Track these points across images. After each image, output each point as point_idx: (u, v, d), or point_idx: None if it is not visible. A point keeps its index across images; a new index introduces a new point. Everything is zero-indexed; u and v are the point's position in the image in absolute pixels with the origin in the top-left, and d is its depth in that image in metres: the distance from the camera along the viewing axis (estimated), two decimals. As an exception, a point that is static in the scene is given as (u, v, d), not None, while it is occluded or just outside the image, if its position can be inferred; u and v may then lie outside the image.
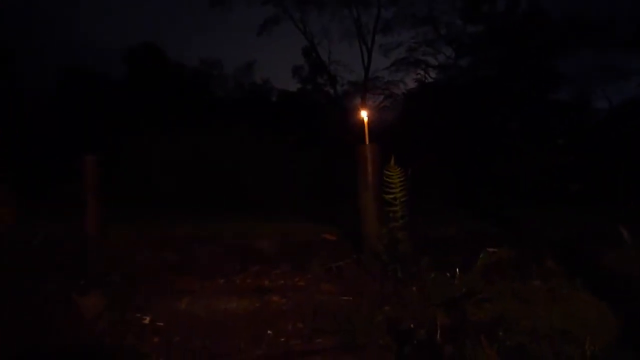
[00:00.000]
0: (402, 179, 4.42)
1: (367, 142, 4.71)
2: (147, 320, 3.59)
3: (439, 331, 3.24)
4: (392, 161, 4.44)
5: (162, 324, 3.57)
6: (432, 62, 27.98)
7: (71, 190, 5.60)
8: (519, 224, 6.82)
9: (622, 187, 11.36)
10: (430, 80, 27.28)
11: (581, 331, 3.04)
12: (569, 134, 18.15)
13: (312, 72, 28.86)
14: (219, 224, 6.67)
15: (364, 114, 4.87)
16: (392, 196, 4.43)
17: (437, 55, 28.04)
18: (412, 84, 27.60)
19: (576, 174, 13.53)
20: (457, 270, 4.04)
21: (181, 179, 12.20)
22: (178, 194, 10.80)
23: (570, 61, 27.37)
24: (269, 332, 3.56)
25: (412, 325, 3.47)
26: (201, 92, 24.67)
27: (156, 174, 12.19)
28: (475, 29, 26.82)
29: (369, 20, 28.42)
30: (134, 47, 24.66)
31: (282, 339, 3.47)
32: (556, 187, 12.75)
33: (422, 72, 27.64)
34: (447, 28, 27.68)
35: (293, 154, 14.61)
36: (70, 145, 14.00)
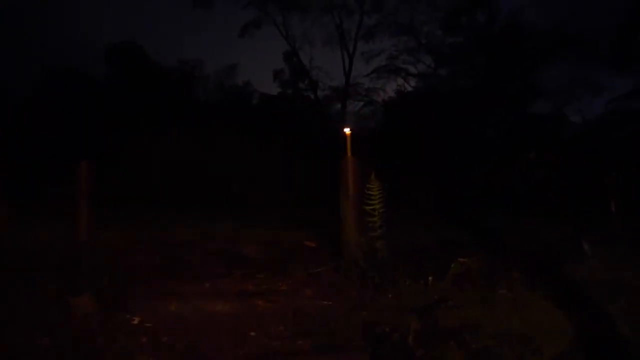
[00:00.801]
0: (381, 191, 4.68)
1: (349, 155, 4.95)
2: (136, 320, 3.77)
3: (411, 335, 3.49)
4: (373, 175, 4.70)
5: (150, 324, 3.75)
6: (412, 71, 28.38)
7: (59, 192, 5.72)
8: (491, 235, 7.14)
9: (593, 200, 11.81)
10: (410, 88, 27.71)
11: (539, 336, 3.33)
12: (544, 146, 18.70)
13: (293, 76, 28.95)
14: (204, 227, 6.82)
15: (347, 130, 5.12)
16: (371, 207, 4.69)
17: (417, 64, 28.44)
18: (392, 92, 27.99)
19: (550, 186, 14.00)
20: (430, 278, 4.32)
21: (163, 180, 12.26)
22: (160, 195, 10.87)
23: (547, 74, 28.09)
24: (252, 333, 3.77)
25: (387, 329, 3.72)
26: (182, 93, 24.62)
27: (138, 175, 12.22)
28: (455, 39, 27.36)
29: (351, 26, 28.67)
30: (115, 46, 24.48)
31: (265, 340, 3.68)
32: (530, 199, 13.18)
33: (402, 81, 28.05)
34: (427, 38, 28.12)
35: (275, 158, 14.77)
36: (53, 146, 13.95)
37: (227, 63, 28.95)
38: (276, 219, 8.04)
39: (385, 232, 4.76)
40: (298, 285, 4.53)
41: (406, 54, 28.34)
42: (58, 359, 3.17)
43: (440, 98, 23.93)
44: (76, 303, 3.76)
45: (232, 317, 3.97)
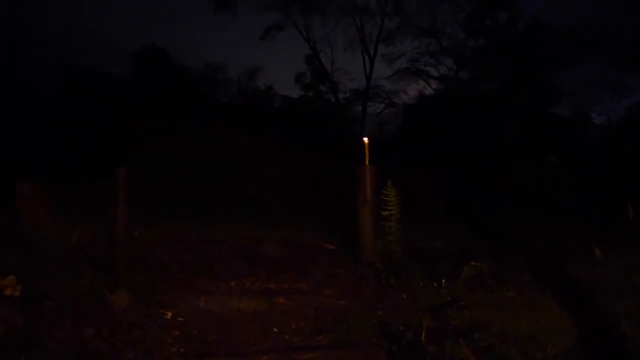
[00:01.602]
0: (397, 197, 4.93)
1: (367, 163, 5.21)
2: (169, 315, 4.09)
3: (423, 333, 3.73)
4: (390, 183, 4.95)
5: (182, 318, 4.07)
6: (434, 73, 28.42)
7: (93, 187, 6.10)
8: (507, 238, 7.29)
9: (616, 204, 11.78)
10: (431, 91, 27.75)
11: (545, 335, 3.54)
12: (567, 149, 18.57)
13: (314, 79, 29.22)
14: (226, 227, 7.13)
15: (365, 139, 5.37)
16: (388, 213, 4.94)
17: (439, 67, 28.48)
18: (413, 94, 28.03)
19: (571, 189, 13.98)
20: (444, 280, 4.55)
21: (185, 181, 12.63)
22: (182, 196, 11.25)
23: (571, 76, 27.80)
24: (274, 329, 4.05)
25: (401, 327, 3.97)
26: (205, 96, 25.10)
27: (161, 176, 12.61)
28: (477, 42, 27.30)
29: (373, 29, 28.84)
30: (140, 50, 25.16)
31: (287, 336, 3.96)
32: (550, 202, 13.20)
33: (423, 83, 28.09)
34: (449, 40, 28.12)
35: (295, 160, 15.04)
36: (79, 145, 14.48)
37: (249, 66, 29.28)
38: (296, 221, 8.32)
39: (400, 236, 5.00)
40: (318, 285, 4.80)
41: (428, 57, 28.33)
42: (100, 349, 3.50)
43: (461, 100, 23.93)
44: (114, 298, 4.09)
45: (257, 314, 4.26)
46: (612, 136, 17.85)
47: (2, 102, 15.23)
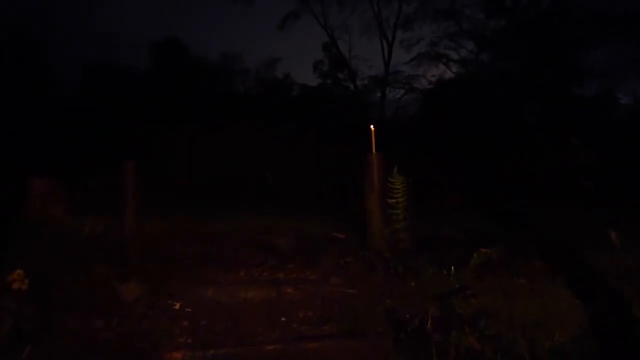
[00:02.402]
0: (404, 185, 4.89)
1: (374, 151, 5.16)
2: (177, 306, 4.14)
3: (429, 322, 3.70)
4: (395, 169, 4.90)
5: (190, 309, 4.12)
6: (454, 57, 28.01)
7: (106, 182, 6.20)
8: (521, 225, 7.18)
9: (637, 187, 11.49)
10: (451, 75, 27.35)
11: (553, 323, 3.48)
12: (590, 130, 18.12)
13: (332, 67, 29.10)
14: (240, 218, 7.19)
15: (372, 126, 5.32)
16: (394, 200, 4.90)
17: (459, 50, 28.05)
18: (433, 78, 27.65)
19: (591, 171, 13.66)
20: (452, 267, 4.50)
21: (204, 172, 12.74)
22: (200, 187, 11.35)
23: (595, 55, 27.05)
24: (283, 319, 4.08)
25: (408, 316, 3.95)
26: (223, 87, 25.23)
27: (176, 167, 12.74)
28: (498, 23, 26.74)
29: (390, 14, 28.53)
30: (158, 42, 25.37)
31: (295, 325, 3.98)
32: (570, 186, 12.93)
33: (443, 67, 27.68)
34: (469, 22, 27.63)
35: (312, 150, 15.03)
36: (98, 138, 14.72)
37: (266, 55, 29.31)
38: (309, 210, 8.32)
39: (409, 224, 4.96)
40: (326, 274, 4.80)
41: (447, 40, 27.95)
42: (110, 339, 3.58)
43: (481, 83, 23.54)
44: (124, 288, 4.16)
45: (264, 304, 4.28)
46: (637, 116, 17.34)
47: (19, 98, 15.57)
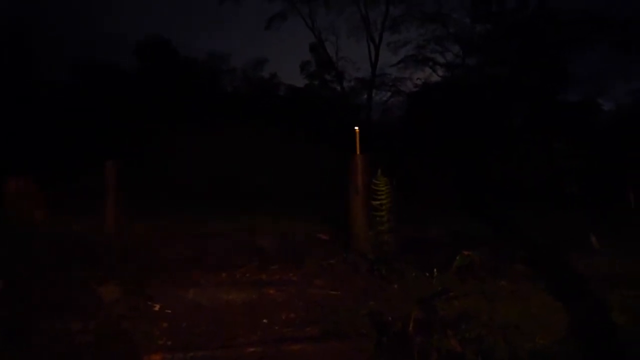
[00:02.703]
0: (388, 187, 4.88)
1: (359, 152, 5.15)
2: (157, 307, 4.08)
3: (411, 324, 3.69)
4: (379, 172, 4.89)
5: (170, 311, 4.06)
6: (440, 60, 28.17)
7: (90, 183, 6.11)
8: (504, 227, 7.23)
9: (618, 190, 11.62)
10: (437, 78, 27.49)
11: (534, 326, 3.49)
12: (573, 135, 18.34)
13: (319, 68, 29.14)
14: (224, 219, 7.15)
15: (356, 128, 5.31)
16: (378, 202, 4.89)
17: (445, 53, 28.21)
18: (419, 82, 27.78)
19: (575, 176, 13.82)
20: (435, 270, 4.50)
21: (188, 172, 12.66)
22: (186, 188, 11.27)
23: (580, 61, 27.42)
24: (264, 320, 4.03)
25: (390, 318, 3.94)
26: (210, 86, 25.08)
27: (164, 167, 12.64)
28: (484, 27, 26.96)
29: (377, 16, 28.62)
30: (145, 41, 25.14)
31: (277, 327, 3.94)
32: (554, 189, 13.07)
33: (429, 70, 27.82)
34: (455, 26, 27.81)
35: (298, 151, 15.02)
36: (84, 137, 14.54)
37: (253, 56, 29.31)
38: (294, 211, 8.30)
39: (393, 226, 4.95)
40: (309, 276, 4.77)
41: (434, 43, 28.09)
42: (88, 341, 3.51)
43: (468, 87, 23.71)
44: (103, 290, 4.10)
45: (246, 305, 4.25)
46: (619, 122, 17.62)
47: (6, 98, 15.31)
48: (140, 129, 14.39)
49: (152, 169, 11.62)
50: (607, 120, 20.45)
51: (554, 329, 3.49)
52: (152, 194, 8.09)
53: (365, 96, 28.76)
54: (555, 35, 23.52)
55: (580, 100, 22.81)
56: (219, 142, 14.26)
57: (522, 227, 7.15)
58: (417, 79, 28.08)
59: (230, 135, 14.78)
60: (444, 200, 10.66)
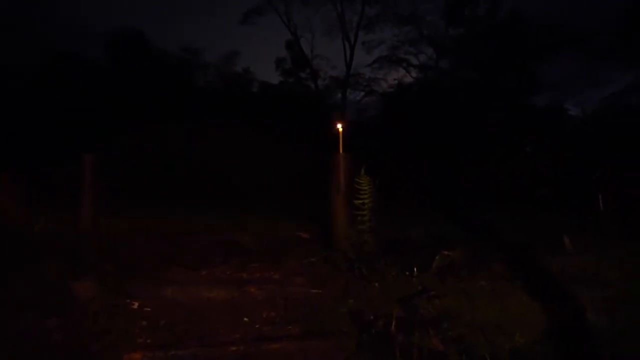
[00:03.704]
0: (370, 186, 4.90)
1: (341, 151, 5.16)
2: (135, 305, 4.00)
3: (393, 323, 3.72)
4: (363, 170, 4.91)
5: (149, 309, 3.98)
6: (414, 62, 28.54)
7: (62, 177, 5.93)
8: (481, 229, 7.36)
9: (588, 194, 11.97)
10: (410, 79, 27.82)
11: (513, 325, 3.56)
12: (543, 140, 18.83)
13: (294, 65, 29.15)
14: (202, 217, 7.05)
15: (339, 125, 5.32)
16: (361, 201, 4.91)
17: (419, 55, 28.60)
18: (393, 82, 28.08)
19: (545, 179, 14.18)
20: (415, 269, 4.55)
21: (161, 168, 12.43)
22: (159, 183, 11.07)
23: (549, 67, 28.18)
24: (245, 319, 4.00)
25: (371, 317, 3.96)
26: (183, 80, 24.72)
27: (137, 162, 12.38)
28: (457, 31, 27.43)
29: (353, 16, 28.79)
30: (117, 32, 24.59)
31: (257, 326, 3.91)
32: (526, 193, 13.38)
33: (403, 71, 28.14)
34: (429, 28, 28.22)
35: (274, 148, 14.96)
36: (53, 130, 14.11)
37: (228, 50, 28.98)
38: (273, 210, 8.26)
39: (374, 226, 4.98)
40: (290, 274, 4.76)
41: (408, 45, 28.50)
42: (63, 339, 3.40)
43: (440, 89, 24.04)
44: (79, 287, 3.98)
45: (227, 303, 4.20)
46: (586, 127, 18.18)
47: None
48: (111, 122, 14.06)
49: (124, 163, 11.37)
50: (575, 125, 21.07)
51: (532, 327, 3.57)
52: (125, 189, 7.91)
53: (340, 95, 28.93)
54: (525, 43, 24.09)
55: (549, 105, 23.45)
56: (193, 138, 14.07)
57: (498, 229, 7.30)
58: (394, 79, 28.37)
59: (205, 131, 14.59)
60: (420, 202, 10.80)
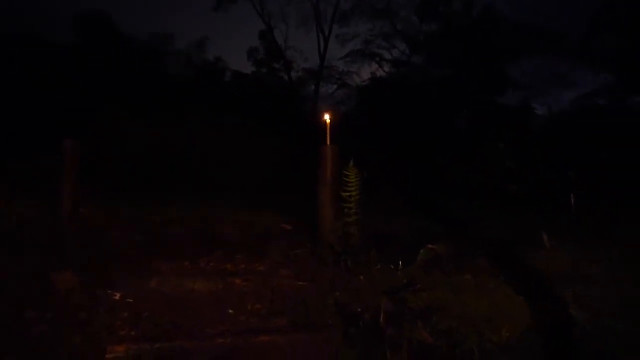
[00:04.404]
0: (358, 179, 4.88)
1: (329, 142, 5.12)
2: (117, 296, 3.88)
3: (382, 315, 3.72)
4: (351, 162, 4.89)
5: (131, 300, 3.87)
6: (387, 56, 28.64)
7: (40, 164, 5.70)
8: (460, 223, 7.47)
9: (559, 192, 12.27)
10: (383, 74, 27.93)
11: (501, 319, 3.61)
12: (512, 137, 19.22)
13: (267, 55, 28.81)
14: (183, 208, 6.89)
15: (326, 116, 5.27)
16: (348, 194, 4.89)
17: (392, 50, 28.70)
18: (366, 76, 28.17)
19: (516, 176, 14.48)
20: (401, 262, 4.56)
21: (135, 157, 12.11)
22: (134, 173, 10.78)
23: (518, 66, 28.76)
24: (230, 311, 3.93)
25: (358, 309, 3.95)
26: (152, 67, 24.11)
27: (107, 151, 12.03)
28: (431, 27, 27.64)
29: (328, 7, 28.65)
30: (83, 14, 23.77)
31: (242, 318, 3.85)
32: (497, 188, 13.64)
33: (376, 66, 28.24)
34: (403, 24, 28.33)
35: (249, 139, 14.77)
36: (15, 118, 13.54)
37: (199, 37, 28.43)
38: (252, 201, 8.16)
39: (360, 218, 4.97)
40: (275, 266, 4.71)
41: (381, 39, 28.53)
42: (44, 332, 3.27)
43: (413, 85, 24.22)
44: (59, 278, 3.84)
45: (211, 295, 4.12)
46: (556, 126, 18.64)
47: None
48: (78, 109, 13.60)
49: (98, 152, 11.01)
50: (544, 124, 21.59)
51: (519, 321, 3.63)
52: (102, 179, 7.67)
53: (313, 87, 28.82)
54: (497, 42, 24.50)
55: (517, 105, 23.96)
56: (166, 127, 13.75)
57: (476, 225, 7.42)
58: (371, 72, 28.37)
59: (176, 120, 14.29)
60: (397, 196, 10.88)
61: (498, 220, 8.21)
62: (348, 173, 4.90)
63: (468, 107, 22.52)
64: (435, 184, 13.68)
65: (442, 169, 14.97)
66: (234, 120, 15.31)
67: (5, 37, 20.26)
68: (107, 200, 6.28)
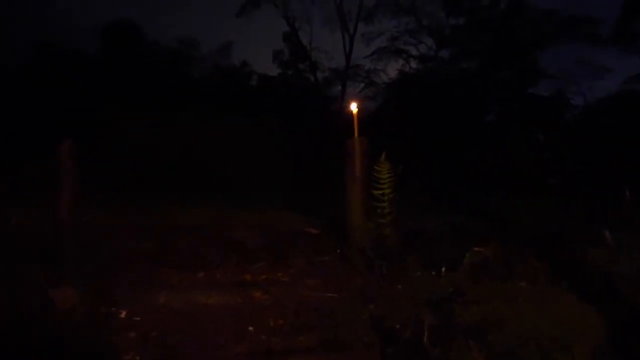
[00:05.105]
0: (391, 175, 4.34)
1: (357, 135, 4.59)
2: (123, 314, 3.45)
3: (426, 332, 3.17)
4: (383, 156, 4.35)
5: (138, 318, 3.44)
6: (414, 53, 27.99)
7: (44, 169, 5.37)
8: (501, 220, 6.83)
9: (600, 184, 11.48)
10: (410, 70, 27.29)
11: (569, 336, 3.01)
12: (547, 129, 18.40)
13: (292, 57, 28.55)
14: (197, 211, 6.48)
15: (353, 106, 4.75)
16: (380, 192, 4.35)
17: (419, 46, 28.05)
18: (393, 74, 27.55)
19: (554, 168, 13.70)
20: (443, 269, 3.99)
21: (155, 161, 11.90)
22: (154, 177, 10.51)
23: (551, 56, 27.75)
24: (250, 328, 3.46)
25: (397, 325, 3.41)
26: (178, 73, 24.13)
27: (132, 156, 11.86)
28: (458, 21, 26.91)
29: (352, 7, 28.18)
30: (111, 24, 24.02)
31: (264, 336, 3.38)
32: (534, 181, 12.90)
33: (403, 62, 27.61)
34: (429, 19, 27.66)
35: (274, 140, 14.45)
36: (43, 123, 13.50)
37: (224, 42, 28.29)
38: (275, 203, 7.69)
39: (395, 218, 4.42)
40: (299, 275, 4.21)
41: (407, 36, 27.94)
42: (42, 353, 2.87)
43: (441, 80, 23.58)
44: (58, 295, 3.43)
45: (228, 310, 3.66)
46: (596, 115, 17.76)
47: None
48: (105, 115, 13.50)
49: (115, 157, 10.82)
50: (580, 114, 20.63)
51: (591, 338, 3.02)
52: (114, 184, 7.35)
53: (339, 87, 28.40)
54: (526, 32, 23.69)
55: (552, 95, 23.03)
56: (188, 131, 13.56)
57: (520, 221, 6.75)
58: (398, 69, 27.76)
59: (200, 124, 14.08)
60: (426, 192, 10.28)
61: (540, 215, 7.49)
62: (380, 169, 4.35)
63: (499, 99, 21.73)
64: (465, 179, 13.02)
65: (473, 162, 14.29)
66: (259, 122, 15.03)
67: (34, 46, 20.63)
68: (121, 206, 5.92)
